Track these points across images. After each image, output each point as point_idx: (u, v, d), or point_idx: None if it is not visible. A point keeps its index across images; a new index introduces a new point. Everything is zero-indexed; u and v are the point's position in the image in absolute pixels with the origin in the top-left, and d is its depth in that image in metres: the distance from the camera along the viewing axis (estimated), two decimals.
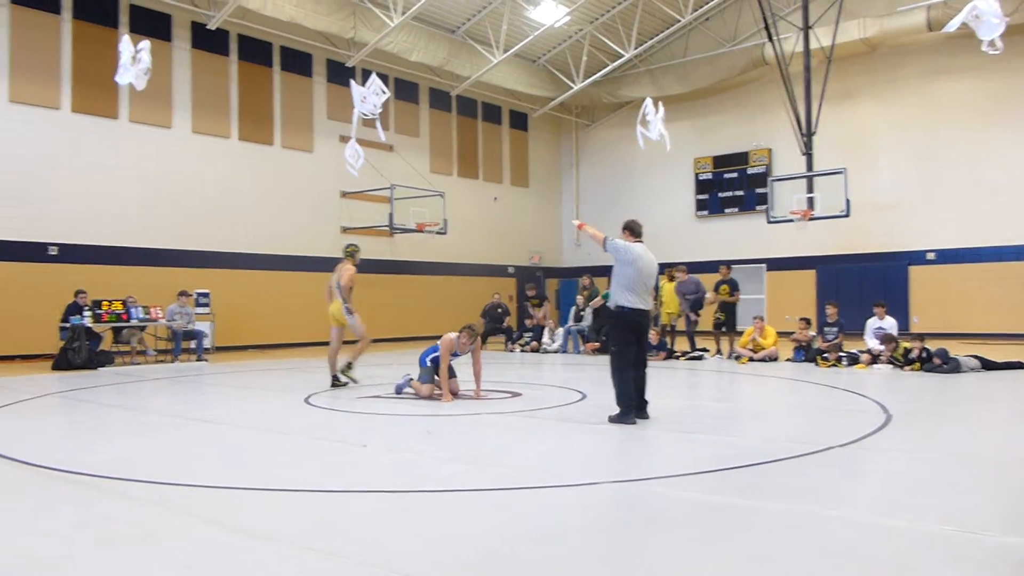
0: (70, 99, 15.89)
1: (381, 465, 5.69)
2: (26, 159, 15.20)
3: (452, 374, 9.09)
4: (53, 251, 15.53)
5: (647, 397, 7.23)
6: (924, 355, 11.72)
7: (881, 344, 12.33)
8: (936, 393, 9.62)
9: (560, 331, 17.40)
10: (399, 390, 9.32)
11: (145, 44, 12.28)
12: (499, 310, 18.81)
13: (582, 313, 17.02)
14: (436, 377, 8.98)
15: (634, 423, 6.86)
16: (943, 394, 9.57)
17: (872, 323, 13.16)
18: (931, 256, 20.60)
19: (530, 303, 18.38)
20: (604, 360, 14.62)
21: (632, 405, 6.98)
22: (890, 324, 12.97)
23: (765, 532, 3.92)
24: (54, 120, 15.68)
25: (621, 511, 4.41)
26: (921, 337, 12.11)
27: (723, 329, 15.11)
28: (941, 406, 8.82)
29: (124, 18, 16.67)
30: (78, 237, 15.83)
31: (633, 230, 7.43)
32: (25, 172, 15.16)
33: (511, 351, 17.47)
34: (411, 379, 9.22)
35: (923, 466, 5.50)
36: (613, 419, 6.97)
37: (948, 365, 11.34)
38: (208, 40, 18.01)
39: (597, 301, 16.26)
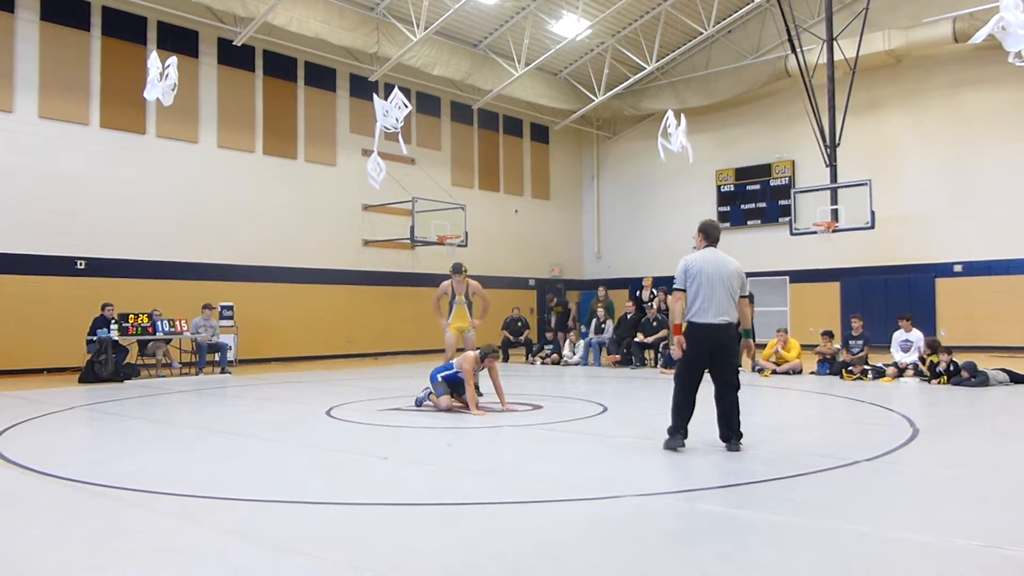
0: (98, 115, 16.15)
1: (403, 478, 5.69)
2: (54, 174, 15.46)
3: (463, 389, 9.04)
4: (81, 265, 15.75)
5: (741, 429, 6.38)
6: (952, 368, 11.56)
7: (926, 348, 12.17)
8: (964, 407, 9.48)
9: (581, 343, 17.36)
10: (419, 403, 9.34)
11: (172, 60, 12.51)
12: (519, 324, 18.82)
13: (603, 325, 16.99)
14: (451, 390, 9.03)
15: (682, 446, 6.25)
16: (971, 408, 9.42)
17: (898, 335, 12.99)
18: (958, 268, 20.34)
19: (554, 311, 18.39)
20: (625, 372, 14.64)
21: (681, 427, 6.30)
22: (916, 336, 12.80)
23: (789, 547, 3.88)
24: (82, 135, 15.94)
25: (643, 525, 4.37)
26: (949, 350, 11.95)
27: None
28: (969, 420, 8.68)
29: (152, 35, 16.94)
30: (105, 251, 16.05)
31: (708, 233, 6.59)
32: (53, 187, 15.41)
33: (531, 364, 17.45)
34: (431, 392, 9.23)
35: (951, 481, 5.41)
36: (665, 443, 6.35)
37: (976, 379, 11.17)
38: (234, 56, 18.25)
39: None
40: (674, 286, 6.60)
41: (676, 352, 6.44)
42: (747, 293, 6.61)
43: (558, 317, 18.36)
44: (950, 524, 4.25)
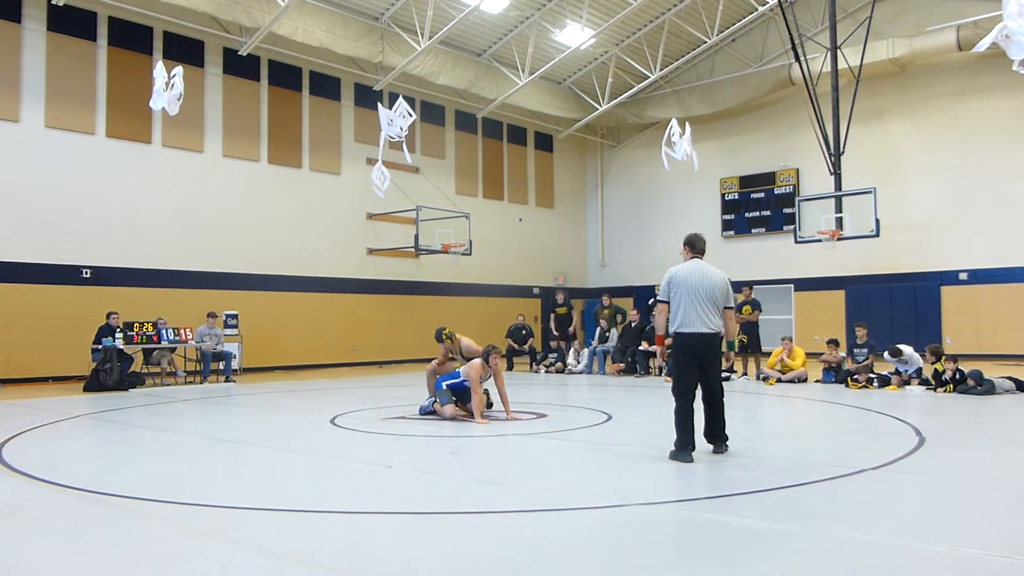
0: (104, 124, 16.21)
1: (407, 486, 5.68)
2: (60, 183, 15.50)
3: (467, 398, 9.03)
4: (86, 274, 15.79)
5: (726, 432, 6.63)
6: (958, 376, 11.51)
7: (930, 355, 12.09)
8: (971, 415, 9.44)
9: (585, 352, 17.33)
10: (424, 412, 9.32)
11: (178, 70, 12.59)
12: (523, 332, 18.81)
13: (607, 334, 16.96)
14: (455, 399, 9.02)
15: (690, 460, 6.18)
16: (978, 416, 9.38)
17: (890, 358, 12.77)
18: (963, 276, 20.28)
19: (557, 312, 18.37)
20: (630, 381, 14.61)
21: (689, 439, 6.27)
22: (909, 353, 12.58)
23: (796, 556, 3.86)
24: (89, 145, 15.99)
25: (648, 533, 4.36)
26: (955, 358, 11.90)
27: (747, 350, 14.96)
28: (976, 428, 8.65)
29: (158, 45, 17.02)
30: (111, 260, 16.08)
31: (693, 245, 6.80)
32: (59, 196, 15.46)
33: (536, 372, 17.42)
34: (435, 401, 9.22)
35: (958, 489, 5.38)
36: (671, 455, 6.34)
37: (982, 387, 11.12)
38: (239, 66, 18.32)
39: None
40: (658, 298, 6.79)
41: (661, 363, 6.57)
42: (732, 304, 6.75)
43: (558, 320, 18.22)
44: (958, 533, 4.23)
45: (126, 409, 10.66)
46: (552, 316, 18.46)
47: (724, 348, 6.75)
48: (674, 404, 6.48)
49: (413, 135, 20.51)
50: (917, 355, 12.45)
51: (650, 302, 16.61)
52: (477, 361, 8.97)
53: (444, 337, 10.08)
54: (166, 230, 16.87)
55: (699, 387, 6.58)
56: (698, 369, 6.51)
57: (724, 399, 6.67)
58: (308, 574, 3.67)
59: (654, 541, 4.22)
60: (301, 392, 13.21)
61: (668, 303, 6.64)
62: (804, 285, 22.69)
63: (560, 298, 18.56)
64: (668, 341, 6.74)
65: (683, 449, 6.29)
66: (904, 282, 20.98)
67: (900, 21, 20.61)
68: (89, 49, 16.11)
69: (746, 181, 24.12)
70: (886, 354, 12.66)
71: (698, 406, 6.49)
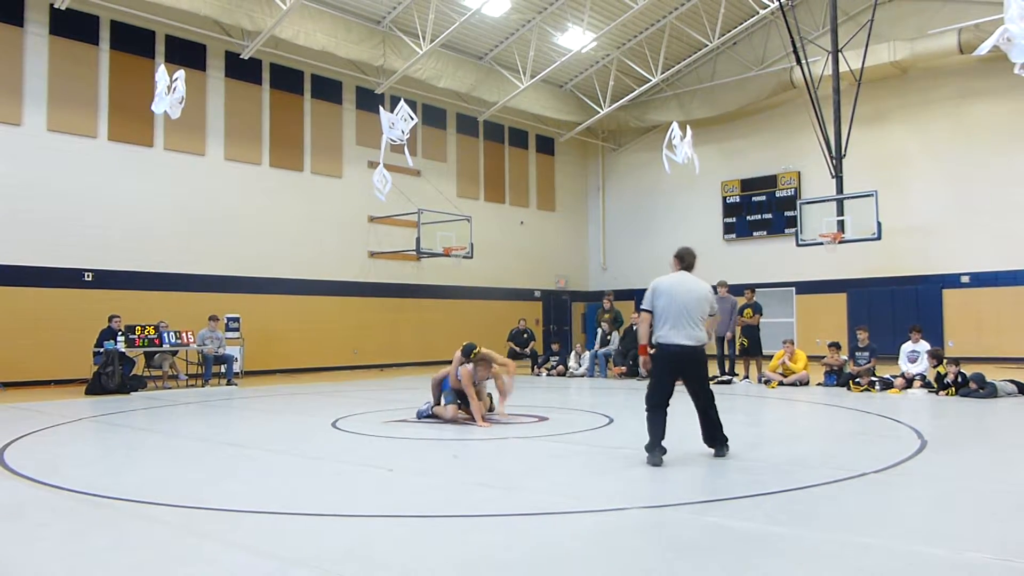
0: (107, 128, 16.23)
1: (408, 489, 5.68)
2: (63, 186, 15.52)
3: (465, 400, 9.03)
4: (88, 277, 15.80)
5: (726, 434, 6.64)
6: (960, 379, 11.50)
7: (931, 358, 12.15)
8: (973, 418, 9.43)
9: (587, 355, 17.33)
10: (421, 416, 9.32)
11: (180, 74, 12.62)
12: (524, 335, 18.80)
13: (608, 337, 16.96)
14: (459, 400, 9.03)
15: (659, 464, 6.17)
16: (980, 419, 9.38)
17: (906, 347, 12.96)
18: (965, 279, 20.27)
19: (604, 319, 18.28)
20: (631, 384, 14.59)
21: (657, 443, 6.27)
22: (923, 347, 12.76)
23: (798, 559, 3.86)
24: (91, 148, 16.01)
25: (650, 537, 4.35)
26: (956, 361, 11.89)
27: (749, 353, 14.93)
28: (978, 431, 8.64)
29: (160, 48, 17.04)
30: (112, 263, 16.09)
31: (682, 259, 6.81)
32: (61, 199, 15.47)
33: (537, 375, 17.42)
34: (432, 405, 9.24)
35: (960, 493, 5.37)
36: (647, 460, 6.29)
37: (984, 390, 11.11)
38: (241, 69, 18.35)
39: None
40: (641, 307, 6.74)
41: (644, 372, 6.55)
42: (713, 312, 6.76)
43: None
44: (960, 536, 4.23)
45: (128, 412, 10.67)
46: (602, 324, 18.35)
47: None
48: (646, 411, 6.47)
49: (414, 138, 20.53)
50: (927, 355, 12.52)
51: (633, 316, 16.57)
52: (468, 366, 9.01)
53: (473, 356, 9.82)
54: (168, 233, 16.88)
55: (685, 398, 6.57)
56: (674, 383, 6.49)
57: (716, 402, 6.65)
58: None
59: (655, 544, 4.22)
60: (302, 395, 13.21)
61: (651, 312, 6.62)
62: (805, 288, 22.68)
63: (607, 304, 18.44)
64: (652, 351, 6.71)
65: (653, 451, 6.27)
66: (906, 285, 20.97)
67: (901, 24, 20.63)
68: (91, 53, 16.14)
69: (747, 184, 24.12)
70: (908, 342, 12.74)
71: (695, 411, 6.49)
